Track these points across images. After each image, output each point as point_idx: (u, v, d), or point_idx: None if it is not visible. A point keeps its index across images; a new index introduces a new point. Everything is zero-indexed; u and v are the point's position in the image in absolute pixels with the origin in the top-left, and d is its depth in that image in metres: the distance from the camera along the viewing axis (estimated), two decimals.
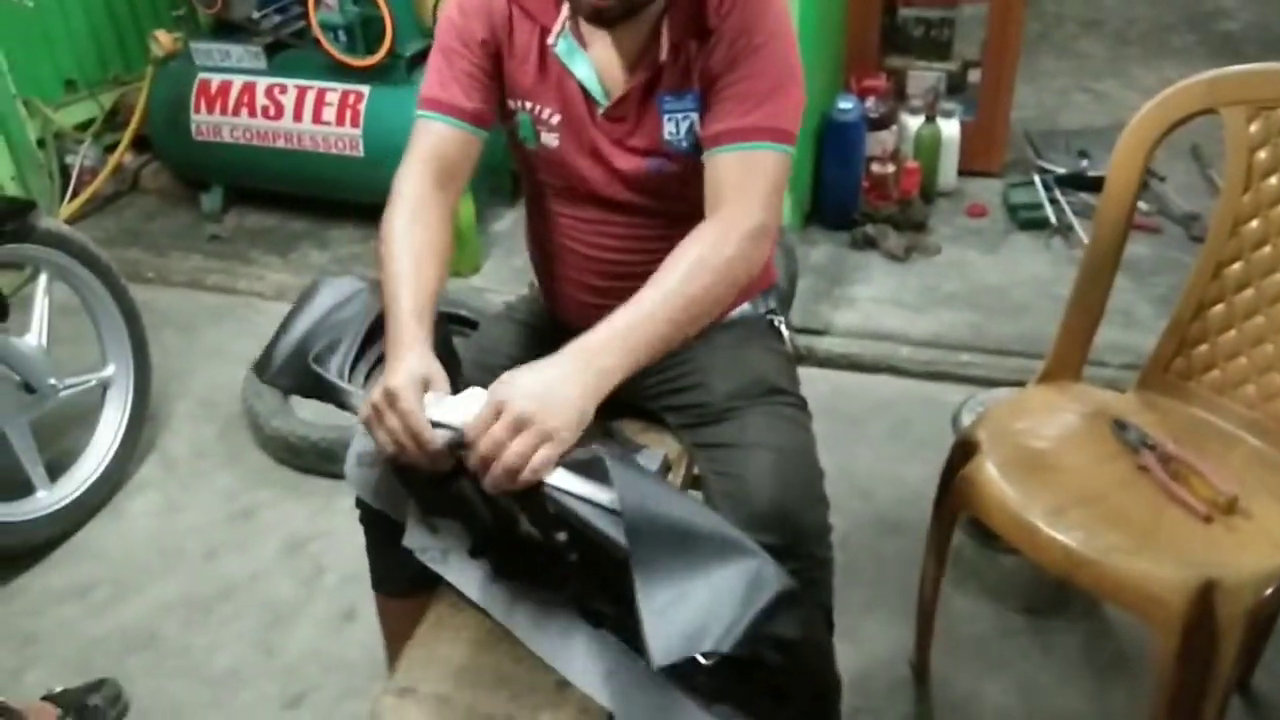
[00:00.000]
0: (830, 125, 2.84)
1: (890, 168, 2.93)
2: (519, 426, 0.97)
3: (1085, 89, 3.77)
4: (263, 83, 2.94)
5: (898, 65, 3.17)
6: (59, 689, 1.70)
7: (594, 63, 1.24)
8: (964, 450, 1.48)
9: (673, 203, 1.28)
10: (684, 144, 1.24)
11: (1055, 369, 1.60)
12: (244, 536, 2.10)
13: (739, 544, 0.93)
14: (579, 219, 1.34)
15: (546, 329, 1.45)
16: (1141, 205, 2.84)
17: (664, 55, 1.20)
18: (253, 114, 2.94)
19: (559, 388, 0.99)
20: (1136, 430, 1.46)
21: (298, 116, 2.90)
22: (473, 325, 2.41)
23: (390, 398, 1.03)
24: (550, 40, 1.24)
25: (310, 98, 2.89)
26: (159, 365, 2.37)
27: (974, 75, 3.16)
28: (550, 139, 1.28)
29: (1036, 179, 3.03)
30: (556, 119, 1.27)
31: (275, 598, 1.95)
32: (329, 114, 2.87)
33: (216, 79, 2.99)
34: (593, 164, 1.28)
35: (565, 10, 1.23)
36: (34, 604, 1.96)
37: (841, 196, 2.92)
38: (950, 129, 3.02)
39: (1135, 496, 1.37)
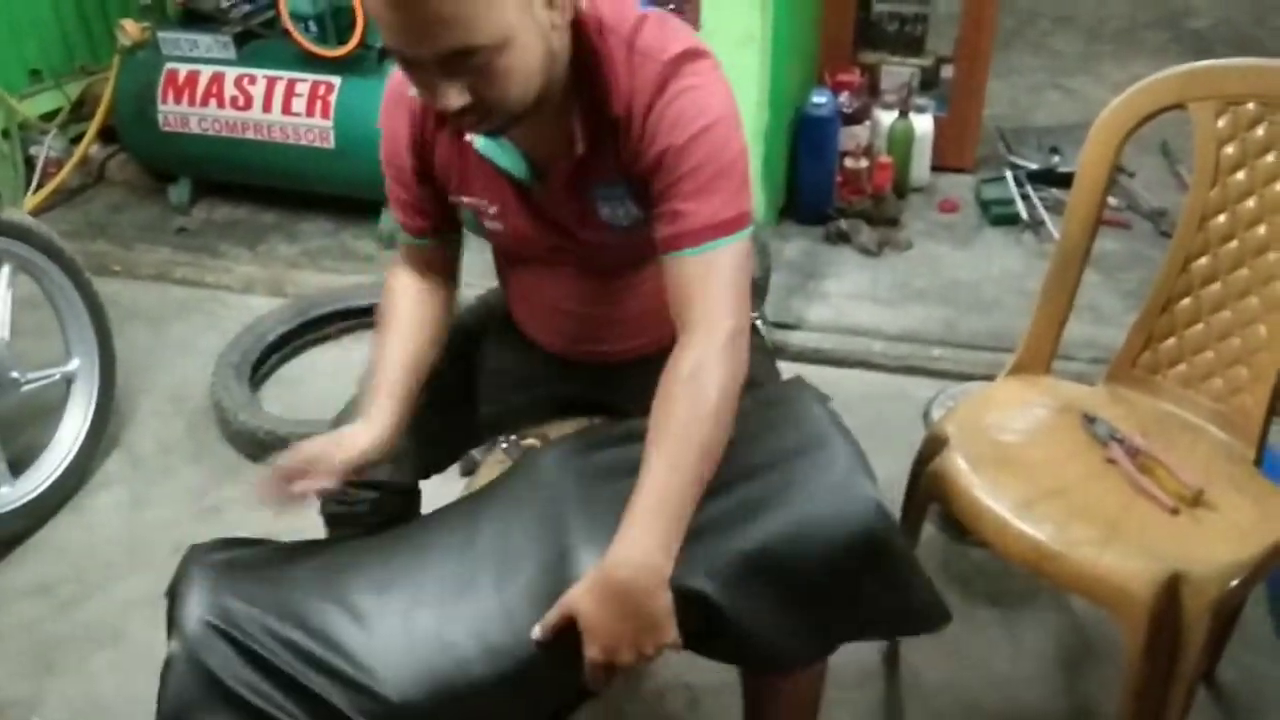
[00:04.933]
0: (804, 120, 2.84)
1: (864, 163, 2.93)
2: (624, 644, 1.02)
3: (1057, 85, 3.79)
4: (231, 73, 2.90)
5: (871, 60, 3.17)
6: None
7: (519, 150, 1.18)
8: (934, 444, 1.48)
9: (628, 255, 1.27)
10: (623, 224, 1.21)
11: (1025, 363, 1.61)
12: (211, 533, 2.01)
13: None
14: (539, 279, 1.34)
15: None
16: (1111, 201, 2.86)
17: (580, 149, 1.14)
18: (221, 105, 2.90)
19: (641, 612, 1.01)
20: (1105, 424, 1.46)
21: (267, 107, 2.86)
22: None
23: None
24: (469, 137, 1.18)
25: (280, 88, 2.85)
26: (125, 359, 2.34)
27: (947, 71, 3.17)
28: (495, 225, 1.27)
29: (1008, 175, 3.05)
30: (494, 209, 1.25)
31: None
32: (299, 105, 2.83)
33: (184, 69, 2.94)
34: (538, 242, 1.27)
35: None
36: None
37: (815, 191, 2.92)
38: (923, 124, 3.02)
39: (1103, 490, 1.38)
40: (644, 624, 1.01)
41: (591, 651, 1.01)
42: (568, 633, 1.02)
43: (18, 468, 2.08)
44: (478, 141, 1.18)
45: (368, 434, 1.20)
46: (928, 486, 1.47)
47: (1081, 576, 1.29)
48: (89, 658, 1.81)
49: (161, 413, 2.40)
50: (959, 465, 1.42)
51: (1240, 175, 1.42)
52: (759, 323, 1.46)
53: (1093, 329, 2.39)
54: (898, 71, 3.16)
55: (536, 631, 1.04)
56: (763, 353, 1.41)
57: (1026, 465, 1.43)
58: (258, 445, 2.19)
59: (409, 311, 1.30)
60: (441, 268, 1.34)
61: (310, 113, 2.83)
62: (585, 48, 1.10)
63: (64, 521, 2.10)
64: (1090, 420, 1.48)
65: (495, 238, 1.31)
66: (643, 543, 1.00)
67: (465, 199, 1.26)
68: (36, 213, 3.01)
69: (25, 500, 2.05)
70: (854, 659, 1.71)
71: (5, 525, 2.01)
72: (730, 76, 1.15)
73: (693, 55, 1.11)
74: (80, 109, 3.30)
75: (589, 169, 1.16)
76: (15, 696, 1.75)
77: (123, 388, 2.33)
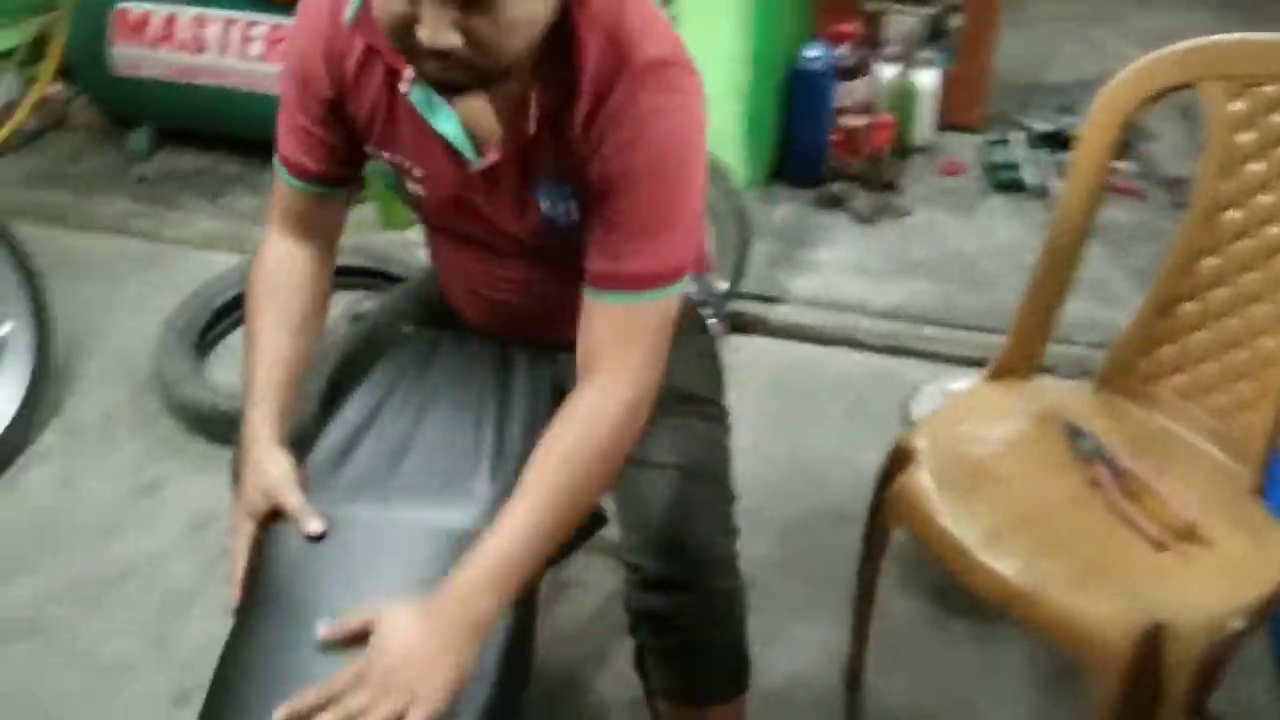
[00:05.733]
0: (796, 75, 2.65)
1: (862, 121, 2.74)
2: (385, 689, 0.87)
3: (1076, 37, 3.56)
4: (186, 13, 2.72)
5: (874, 8, 2.96)
6: None
7: (461, 117, 1.02)
8: (900, 458, 1.34)
9: (566, 251, 1.09)
10: (563, 224, 1.06)
11: (1011, 360, 1.46)
12: (147, 513, 1.96)
13: None
14: (470, 260, 1.18)
15: (445, 315, 1.31)
16: (1123, 166, 2.68)
17: (532, 128, 0.98)
18: (175, 48, 2.73)
19: (434, 655, 0.88)
20: (1092, 439, 1.32)
21: (223, 51, 2.69)
22: (399, 281, 2.25)
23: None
24: (403, 88, 1.01)
25: (236, 31, 2.68)
26: (75, 319, 2.22)
27: (956, 20, 2.96)
28: (416, 189, 1.10)
29: (1016, 136, 2.85)
30: (419, 172, 1.08)
31: (174, 582, 1.82)
32: (256, 49, 2.66)
33: (136, 8, 2.76)
34: (467, 220, 1.10)
35: None
36: None
37: (808, 151, 2.74)
38: (928, 79, 2.83)
39: (1083, 518, 1.24)
40: (434, 678, 0.88)
41: (352, 677, 0.87)
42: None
43: None
44: (413, 93, 1.01)
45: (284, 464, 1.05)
46: (891, 507, 1.33)
47: (1051, 620, 1.15)
48: (4, 648, 1.71)
49: (106, 379, 2.27)
50: (925, 485, 1.28)
51: (1259, 166, 1.25)
52: (714, 323, 1.31)
53: (1096, 309, 2.22)
54: (903, 20, 2.95)
55: (326, 630, 0.92)
56: (711, 361, 1.27)
57: (1000, 484, 1.28)
58: (199, 419, 2.07)
59: (297, 298, 1.13)
60: (322, 232, 1.15)
61: (269, 57, 2.65)
62: (562, 19, 0.94)
63: None
64: (1077, 434, 1.33)
65: (418, 203, 1.13)
66: (480, 589, 0.91)
67: (386, 155, 1.09)
68: None
69: None
70: (814, 677, 1.60)
71: None
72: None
73: (672, 64, 0.97)
74: (41, 48, 3.13)
75: (536, 157, 1.01)
76: None
77: (69, 351, 2.21)
